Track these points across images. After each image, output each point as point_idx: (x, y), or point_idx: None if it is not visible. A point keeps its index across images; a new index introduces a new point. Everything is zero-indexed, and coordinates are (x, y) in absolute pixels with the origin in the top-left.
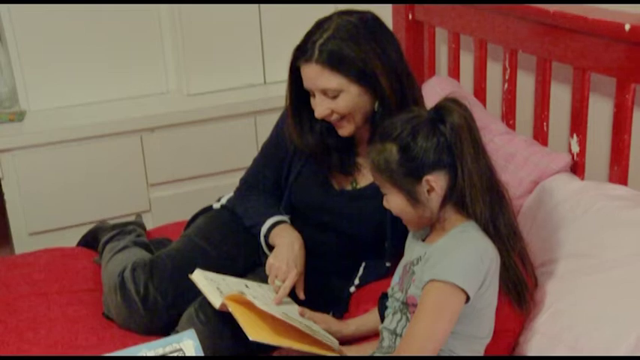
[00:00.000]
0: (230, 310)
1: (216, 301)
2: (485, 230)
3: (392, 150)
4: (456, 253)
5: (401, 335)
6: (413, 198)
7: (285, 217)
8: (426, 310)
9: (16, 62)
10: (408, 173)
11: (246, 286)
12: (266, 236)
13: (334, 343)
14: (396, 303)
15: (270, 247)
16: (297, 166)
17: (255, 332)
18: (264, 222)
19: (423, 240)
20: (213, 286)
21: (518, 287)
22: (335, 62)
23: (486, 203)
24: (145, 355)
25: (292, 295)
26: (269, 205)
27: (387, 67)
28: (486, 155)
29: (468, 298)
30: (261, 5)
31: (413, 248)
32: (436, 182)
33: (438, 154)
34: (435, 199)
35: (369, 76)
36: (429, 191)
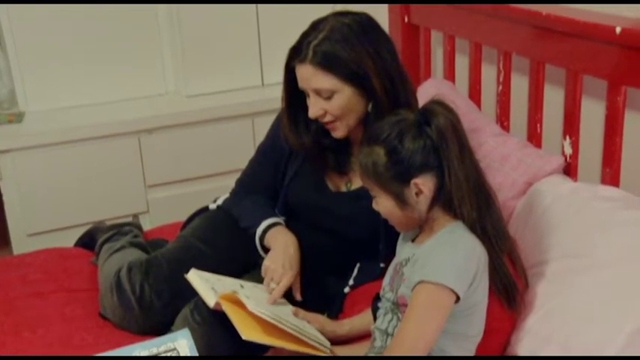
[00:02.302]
0: (224, 309)
1: (210, 300)
2: (473, 231)
3: (379, 153)
4: (444, 254)
5: (392, 335)
6: (401, 201)
7: (280, 219)
8: (415, 311)
9: (14, 64)
10: (396, 176)
11: (242, 287)
12: (261, 238)
13: (326, 345)
14: (387, 303)
15: (265, 249)
16: (293, 167)
17: (248, 332)
18: (259, 224)
19: (413, 241)
20: (208, 286)
21: (508, 288)
22: (328, 63)
23: (473, 204)
24: (139, 354)
25: (288, 296)
26: (264, 206)
27: (380, 69)
28: (473, 156)
29: (457, 298)
30: (259, 7)
31: (402, 248)
32: (424, 185)
33: (424, 156)
34: (423, 202)
35: (361, 78)
36: (417, 194)
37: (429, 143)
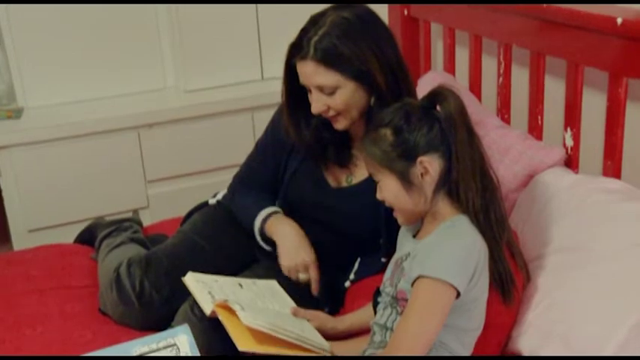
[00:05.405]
0: (220, 318)
1: (207, 308)
2: (476, 219)
3: (386, 134)
4: (444, 249)
5: (391, 329)
6: (407, 181)
7: (277, 208)
8: (416, 307)
9: (13, 59)
10: (402, 155)
11: (240, 286)
12: (261, 229)
13: (325, 348)
14: (386, 298)
15: (265, 240)
16: (294, 163)
17: (244, 342)
18: (256, 215)
19: (414, 236)
20: (205, 291)
21: (505, 281)
22: (330, 59)
23: (478, 190)
24: (138, 350)
25: (290, 292)
26: (262, 199)
27: (383, 63)
28: (479, 141)
29: (458, 293)
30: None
31: (403, 244)
32: (430, 164)
33: (431, 137)
34: (428, 183)
35: (364, 73)
36: (422, 175)
37: (437, 125)
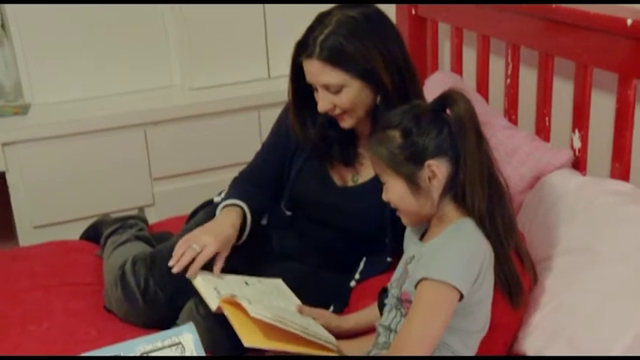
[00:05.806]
0: (225, 313)
1: (212, 304)
2: (482, 223)
3: (395, 136)
4: (448, 251)
5: (395, 331)
6: (414, 184)
7: (241, 202)
8: (419, 309)
9: (20, 55)
10: (410, 158)
11: (246, 283)
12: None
13: (332, 342)
14: (392, 299)
15: None
16: (299, 163)
17: (250, 338)
18: (225, 201)
19: (420, 239)
20: (211, 287)
21: (512, 285)
22: (336, 58)
23: (485, 194)
24: (143, 348)
25: (295, 290)
26: (252, 193)
27: (389, 63)
28: (488, 146)
29: (461, 296)
30: None
31: (409, 246)
32: (438, 168)
33: (441, 140)
34: (436, 187)
35: (370, 72)
36: (430, 178)
37: (446, 128)
